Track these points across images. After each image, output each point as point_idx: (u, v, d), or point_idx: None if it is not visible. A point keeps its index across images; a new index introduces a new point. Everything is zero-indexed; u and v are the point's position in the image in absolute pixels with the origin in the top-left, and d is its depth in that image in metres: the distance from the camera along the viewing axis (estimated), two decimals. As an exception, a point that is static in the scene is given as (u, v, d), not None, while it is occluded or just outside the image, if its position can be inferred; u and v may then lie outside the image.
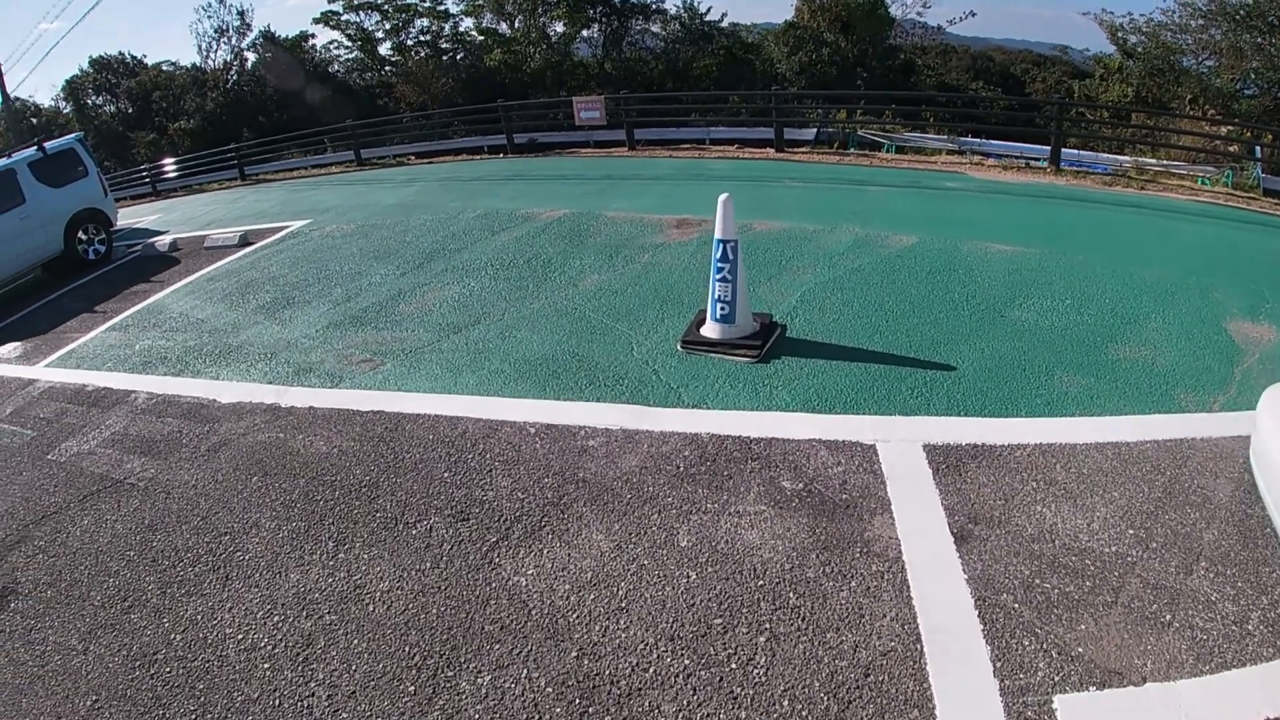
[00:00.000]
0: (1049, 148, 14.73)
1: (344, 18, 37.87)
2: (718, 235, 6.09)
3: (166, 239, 14.67)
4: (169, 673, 3.89)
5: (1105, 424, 4.91)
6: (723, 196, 6.05)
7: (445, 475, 5.12)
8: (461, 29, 37.71)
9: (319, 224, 13.37)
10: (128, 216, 19.47)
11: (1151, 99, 29.08)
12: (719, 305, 6.21)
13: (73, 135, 15.81)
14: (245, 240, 13.12)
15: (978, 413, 5.16)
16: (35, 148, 14.08)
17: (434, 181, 15.89)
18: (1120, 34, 30.37)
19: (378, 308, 8.64)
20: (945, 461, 4.63)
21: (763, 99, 23.41)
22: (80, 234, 14.26)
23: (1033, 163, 14.45)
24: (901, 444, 4.84)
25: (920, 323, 6.61)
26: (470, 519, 4.63)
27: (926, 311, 6.82)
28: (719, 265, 6.08)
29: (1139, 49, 30.02)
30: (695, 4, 35.57)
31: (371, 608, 4.05)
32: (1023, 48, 58.39)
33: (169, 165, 26.99)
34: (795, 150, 14.95)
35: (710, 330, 6.36)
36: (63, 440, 6.88)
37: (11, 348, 10.28)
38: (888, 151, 21.62)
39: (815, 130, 29.39)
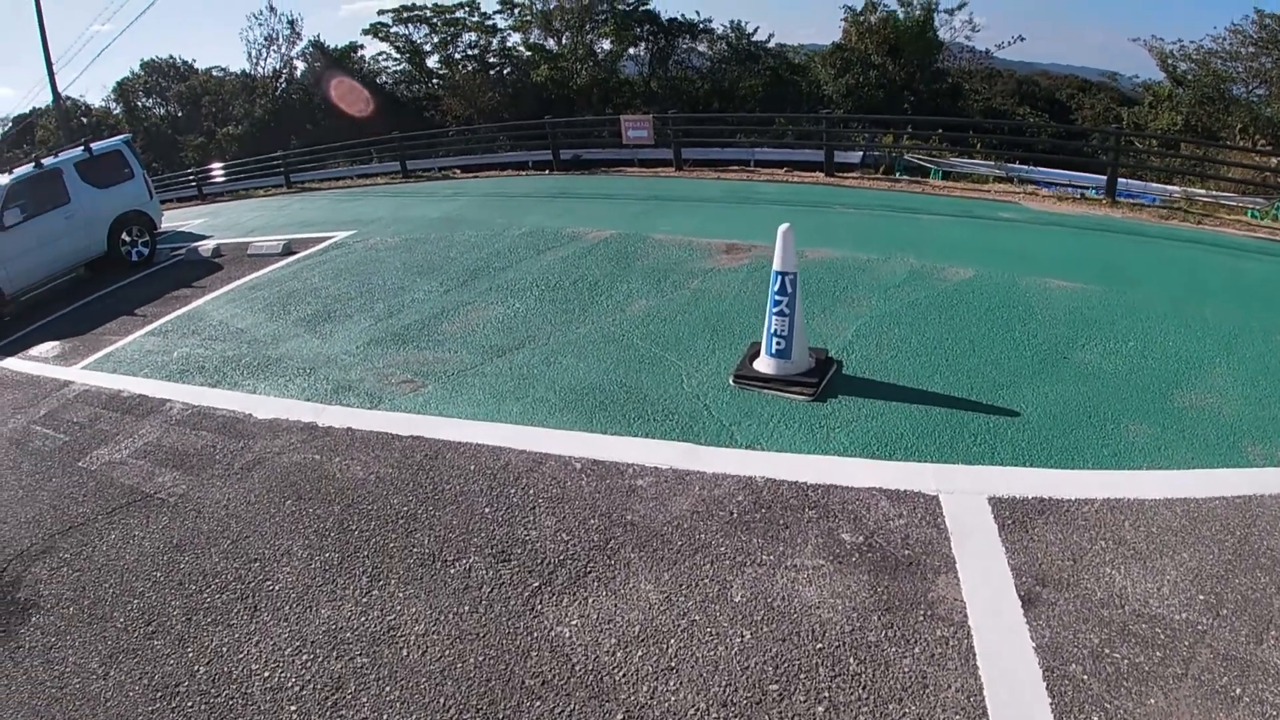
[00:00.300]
0: (1103, 177, 14.36)
1: (393, 30, 38.25)
2: (776, 267, 5.85)
3: (210, 244, 14.70)
4: (190, 707, 3.72)
5: (1173, 478, 4.62)
6: (783, 228, 5.82)
7: (486, 510, 4.90)
8: (509, 44, 37.94)
9: (363, 235, 13.30)
10: (173, 219, 19.77)
11: (1201, 128, 28.49)
12: (775, 340, 5.96)
13: (119, 137, 15.95)
14: (288, 249, 13.08)
15: (1043, 463, 4.87)
16: (82, 148, 14.21)
17: (479, 196, 15.79)
18: (1170, 61, 29.82)
19: (420, 325, 8.48)
20: (1011, 516, 4.34)
21: (810, 121, 23.15)
22: (124, 235, 14.41)
23: (1086, 193, 14.03)
24: (966, 496, 4.55)
25: (981, 362, 6.31)
26: (511, 560, 4.40)
27: (987, 351, 6.51)
28: (776, 298, 5.83)
29: (1188, 76, 29.44)
30: (742, 24, 35.51)
31: (405, 652, 3.84)
32: (1068, 72, 57.63)
33: (216, 169, 27.19)
34: (845, 175, 14.66)
35: (764, 365, 6.11)
36: (95, 447, 6.81)
37: (50, 347, 10.35)
38: (935, 178, 21.31)
39: (861, 154, 29.06)
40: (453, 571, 4.37)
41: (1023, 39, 33.86)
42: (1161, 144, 28.18)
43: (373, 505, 5.14)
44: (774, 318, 5.91)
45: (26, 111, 48.19)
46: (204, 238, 16.03)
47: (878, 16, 32.13)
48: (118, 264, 14.22)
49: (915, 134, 28.52)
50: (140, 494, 5.85)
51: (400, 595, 4.24)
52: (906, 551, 4.14)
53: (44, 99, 40.29)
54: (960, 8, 32.10)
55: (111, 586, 4.74)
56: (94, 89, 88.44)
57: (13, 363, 10.05)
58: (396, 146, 21.54)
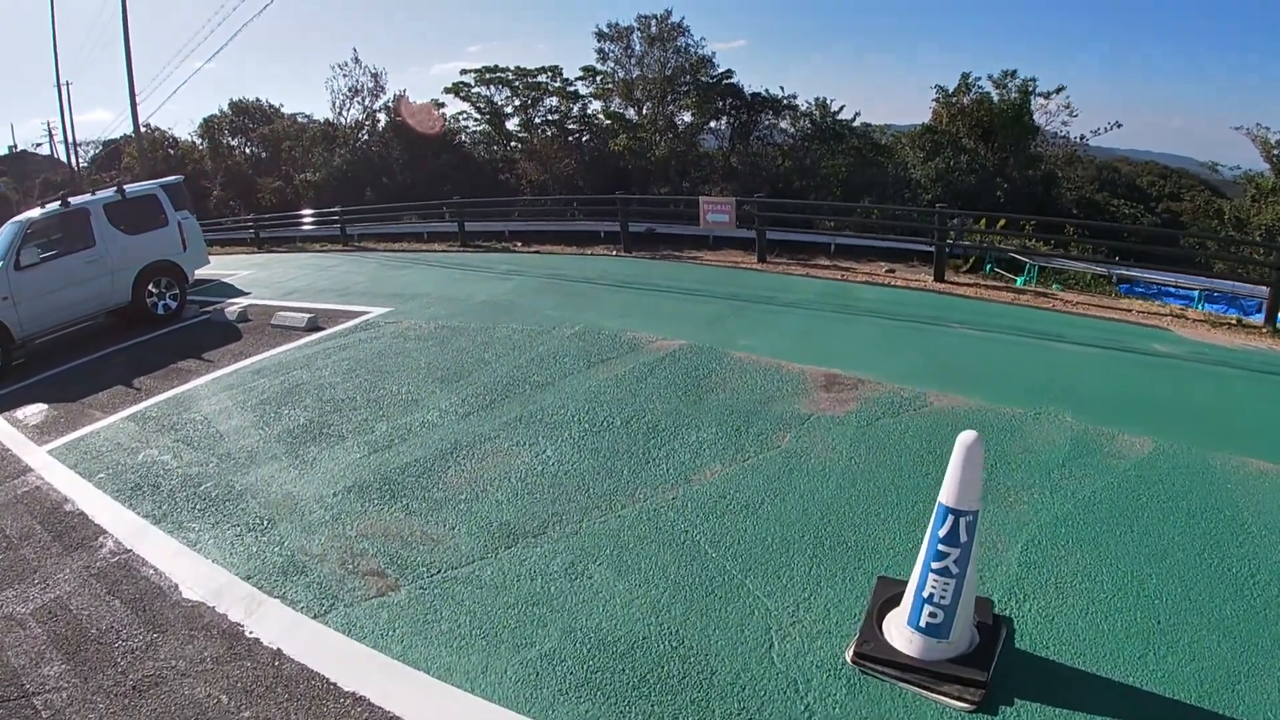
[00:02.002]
0: (1263, 300, 11.84)
1: (474, 90, 37.14)
2: (947, 500, 3.56)
3: (239, 305, 13.44)
4: None
5: None
6: (965, 440, 3.57)
7: None
8: (589, 111, 36.47)
9: (397, 315, 11.55)
10: (221, 266, 18.88)
11: None
12: (927, 608, 3.62)
13: (157, 181, 14.98)
14: (314, 325, 11.45)
15: None
16: (115, 189, 13.18)
17: (536, 278, 13.79)
18: (1275, 150, 26.95)
19: (420, 468, 6.36)
20: None
21: (920, 215, 20.82)
22: (151, 287, 13.23)
23: (1243, 318, 11.47)
24: None
25: (1203, 625, 3.98)
26: None
27: (1205, 599, 4.18)
28: (940, 547, 3.52)
29: None
30: (827, 101, 33.45)
31: None
32: (1146, 158, 54.29)
33: (272, 219, 25.99)
34: (956, 282, 12.23)
35: (905, 640, 3.75)
36: (5, 586, 5.41)
37: (35, 411, 9.41)
38: (1028, 280, 18.76)
39: (951, 242, 26.66)
40: None
41: (1119, 125, 31.03)
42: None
43: None
44: (932, 575, 3.57)
45: (117, 137, 48.85)
46: (240, 295, 14.80)
47: (971, 98, 29.82)
48: (143, 316, 13.06)
49: (1008, 225, 26.18)
50: (16, 689, 4.24)
51: None
52: None
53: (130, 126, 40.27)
54: (1058, 91, 29.64)
55: None
56: (182, 122, 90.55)
57: (-5, 424, 8.70)
58: (457, 212, 19.62)
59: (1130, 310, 11.21)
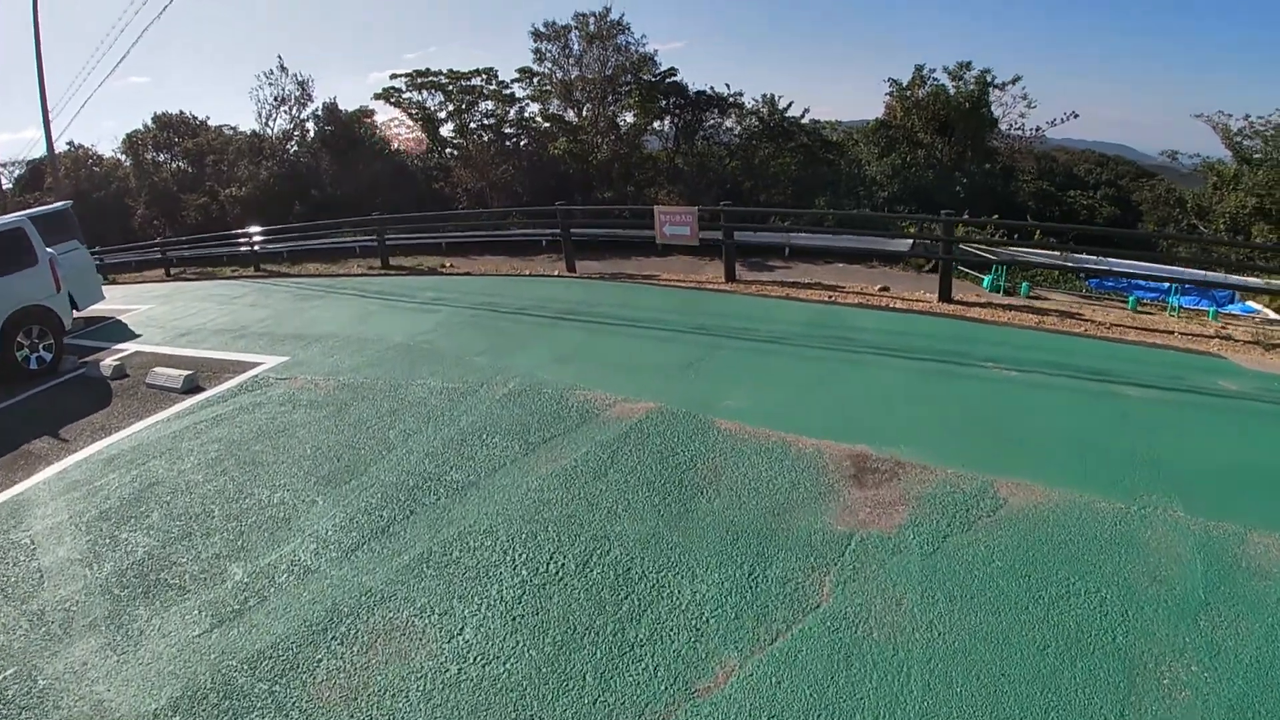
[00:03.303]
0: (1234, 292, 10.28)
1: (405, 95, 34.38)
2: None
3: (125, 352, 11.29)
4: None
5: None
6: None
7: None
8: (527, 114, 33.96)
9: (292, 368, 9.16)
10: (123, 299, 16.78)
11: (1276, 210, 24.45)
12: None
13: (28, 211, 12.83)
14: (192, 385, 9.03)
15: None
16: None
17: (464, 308, 11.41)
18: (1237, 138, 25.73)
19: (279, 662, 4.09)
20: None
21: (899, 222, 18.85)
22: (20, 338, 10.65)
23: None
24: None
25: None
26: None
27: None
28: None
29: (1255, 154, 25.35)
30: (775, 97, 31.42)
31: None
32: (1083, 147, 53.35)
33: (182, 243, 23.10)
34: (965, 302, 10.09)
35: None
36: None
37: None
38: (996, 279, 16.97)
39: (911, 242, 24.88)
40: None
41: (1076, 115, 29.53)
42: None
43: None
44: None
45: (39, 157, 44.94)
46: (128, 338, 12.31)
47: (926, 90, 28.03)
48: (11, 373, 10.45)
49: (970, 222, 24.46)
50: None
51: None
52: None
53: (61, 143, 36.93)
54: (1014, 81, 27.98)
55: None
56: (107, 139, 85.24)
57: None
58: (377, 229, 16.91)
59: (1172, 332, 9.27)
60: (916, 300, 10.08)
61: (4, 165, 50.45)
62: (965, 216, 22.73)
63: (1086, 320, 9.52)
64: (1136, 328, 9.34)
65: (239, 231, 19.76)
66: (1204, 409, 6.69)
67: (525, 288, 12.59)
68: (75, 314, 13.33)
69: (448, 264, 16.62)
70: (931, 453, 5.58)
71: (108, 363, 10.64)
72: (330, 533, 5.24)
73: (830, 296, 10.44)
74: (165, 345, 11.52)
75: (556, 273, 13.83)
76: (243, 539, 5.31)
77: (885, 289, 10.80)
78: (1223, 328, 9.79)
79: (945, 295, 9.88)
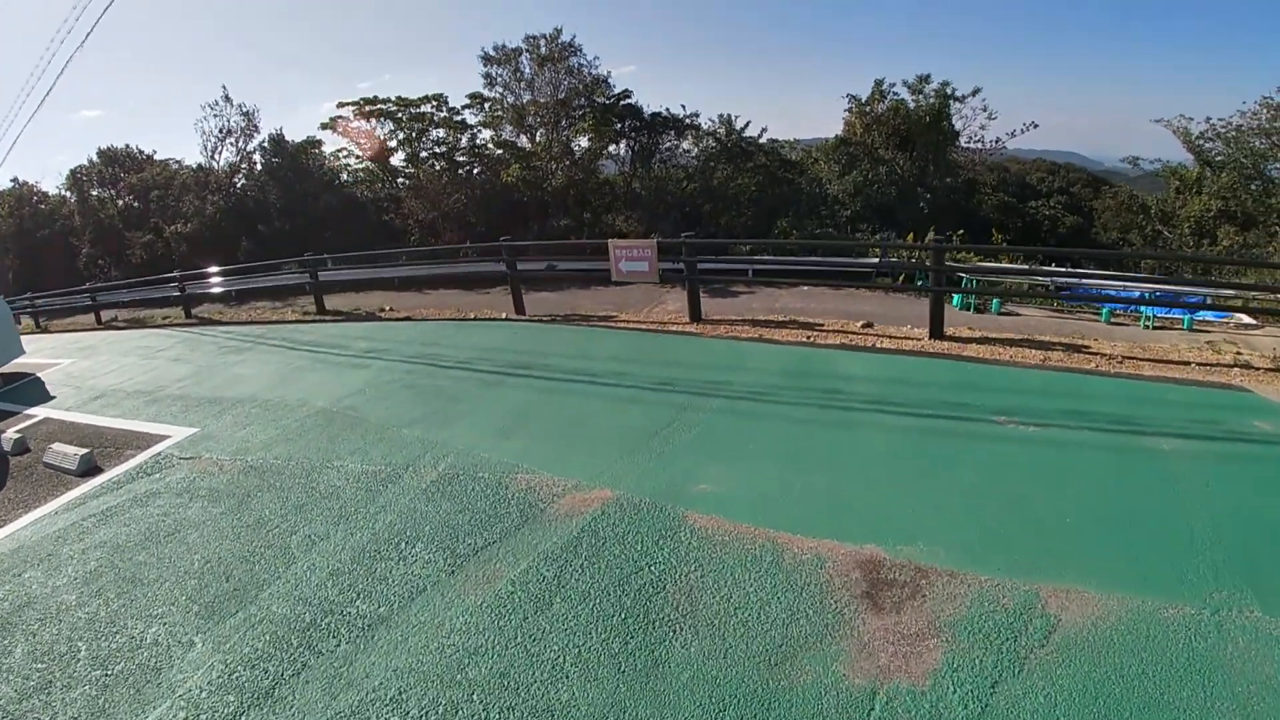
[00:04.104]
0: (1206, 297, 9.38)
1: (353, 125, 32.91)
2: None
3: (33, 419, 9.95)
4: None
5: None
6: None
7: None
8: (479, 141, 32.59)
9: (200, 443, 7.89)
10: (49, 351, 15.63)
11: (1242, 213, 23.96)
12: None
13: None
14: (89, 466, 7.76)
15: None
16: None
17: (399, 362, 10.08)
18: (1199, 141, 25.22)
19: None
20: None
21: (890, 251, 17.81)
22: None
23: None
24: None
25: None
26: None
27: None
28: None
29: (1217, 157, 24.87)
30: (731, 118, 30.38)
31: None
32: (1033, 156, 53.17)
33: (109, 288, 21.46)
34: (958, 338, 8.92)
35: None
36: None
37: None
38: (966, 297, 15.97)
39: (878, 260, 23.91)
40: None
41: (1036, 125, 28.76)
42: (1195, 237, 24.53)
43: None
44: None
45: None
46: (42, 400, 10.99)
47: (886, 105, 27.17)
48: None
49: (959, 248, 23.63)
50: None
51: None
52: None
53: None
54: (974, 94, 27.21)
55: None
56: (51, 175, 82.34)
57: None
58: (310, 270, 15.37)
59: (1188, 363, 8.21)
60: (905, 338, 8.91)
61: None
62: (952, 240, 21.92)
63: (1094, 353, 8.43)
64: (1150, 359, 8.26)
65: (168, 275, 18.12)
66: (1247, 461, 5.64)
67: (469, 335, 11.25)
68: None
69: (387, 308, 15.19)
70: (956, 551, 4.41)
71: (10, 434, 9.30)
72: (204, 695, 3.93)
73: (809, 337, 9.22)
74: (77, 410, 10.21)
75: (504, 315, 12.50)
76: (105, 697, 4.00)
77: (868, 324, 9.63)
78: (1238, 353, 8.76)
79: (937, 331, 8.74)
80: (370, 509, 5.75)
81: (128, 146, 39.50)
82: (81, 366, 13.49)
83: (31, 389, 11.98)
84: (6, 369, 13.55)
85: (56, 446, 8.45)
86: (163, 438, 8.30)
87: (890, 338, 8.95)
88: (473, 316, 12.82)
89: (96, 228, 36.60)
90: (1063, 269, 19.66)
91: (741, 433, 6.36)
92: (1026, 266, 18.23)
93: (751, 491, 5.30)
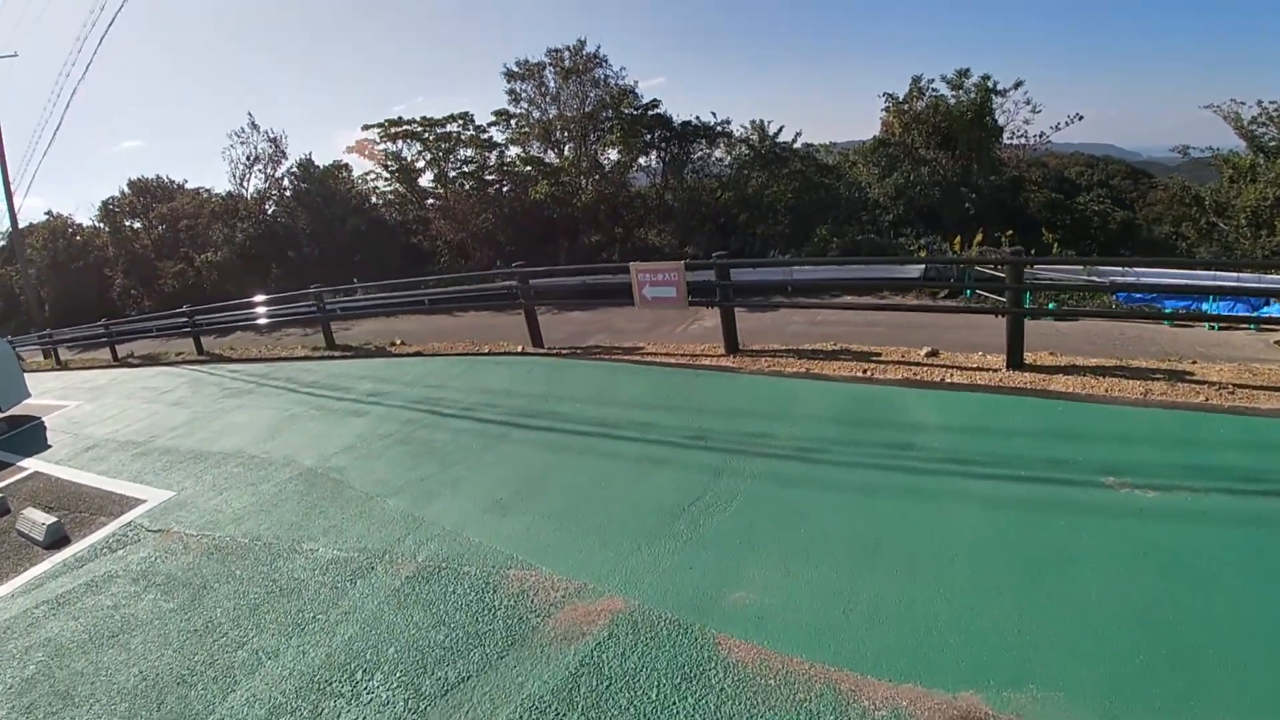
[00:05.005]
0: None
1: (380, 147, 32.18)
2: None
3: (22, 474, 9.30)
4: None
5: None
6: None
7: None
8: (507, 159, 31.62)
9: (172, 511, 6.96)
10: (55, 394, 15.27)
11: None
12: None
13: None
14: (57, 538, 6.98)
15: None
16: None
17: (399, 408, 8.99)
18: (1251, 126, 23.42)
19: None
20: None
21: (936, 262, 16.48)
22: None
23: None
24: None
25: None
26: None
27: None
28: None
29: (1271, 142, 23.07)
30: (764, 123, 28.99)
31: None
32: (1072, 150, 50.88)
33: (122, 324, 20.85)
34: (1040, 367, 7.46)
35: None
36: None
37: None
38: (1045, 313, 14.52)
39: (923, 267, 22.51)
40: None
41: (1080, 117, 26.94)
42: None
43: None
44: None
45: (24, 226, 43.09)
46: (37, 451, 10.36)
47: (925, 103, 25.64)
48: None
49: (1040, 261, 22.15)
50: None
51: None
52: None
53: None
54: (1016, 87, 25.56)
55: None
56: (84, 208, 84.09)
57: None
58: (317, 303, 14.39)
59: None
60: (979, 369, 7.50)
61: (-13, 235, 49.17)
62: (1026, 250, 20.42)
63: (1199, 381, 6.99)
64: (1264, 387, 6.81)
65: (179, 311, 17.35)
66: None
67: (479, 374, 10.07)
68: None
69: (398, 341, 14.13)
70: (1084, 701, 3.16)
71: (-4, 487, 8.59)
72: None
73: (866, 371, 7.84)
74: (66, 463, 9.44)
75: (520, 349, 11.32)
76: None
77: (933, 352, 8.23)
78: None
79: (1016, 359, 7.33)
80: (331, 615, 4.62)
81: (158, 177, 39.50)
82: (85, 411, 12.85)
83: (30, 436, 11.38)
84: (14, 411, 13.04)
85: (28, 513, 7.74)
86: (138, 502, 7.46)
87: (961, 369, 7.56)
88: (486, 350, 11.67)
89: (129, 258, 36.43)
90: (1118, 264, 18.18)
91: (789, 508, 5.07)
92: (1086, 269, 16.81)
93: (803, 605, 4.03)
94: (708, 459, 5.99)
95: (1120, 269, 17.38)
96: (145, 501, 7.46)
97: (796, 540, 4.63)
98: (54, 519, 7.21)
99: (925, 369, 7.72)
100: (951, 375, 7.40)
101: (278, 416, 9.64)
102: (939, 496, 4.93)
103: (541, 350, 10.98)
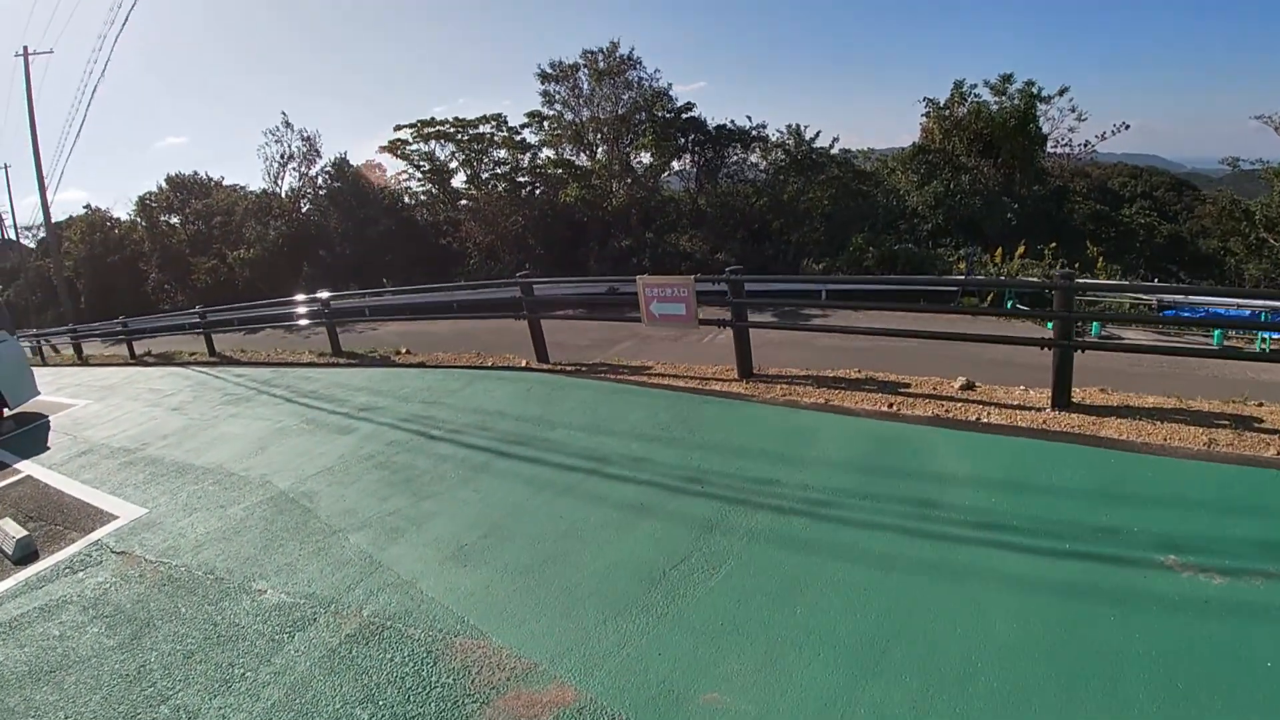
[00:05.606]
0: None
1: (412, 148, 31.86)
2: None
3: (15, 478, 8.94)
4: None
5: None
6: None
7: None
8: (540, 161, 31.14)
9: (139, 533, 6.53)
10: (67, 392, 15.01)
11: None
12: None
13: None
14: (26, 552, 6.59)
15: None
16: None
17: (387, 427, 8.41)
18: None
19: None
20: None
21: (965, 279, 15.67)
22: None
23: None
24: None
25: None
26: None
27: None
28: None
29: None
30: (801, 128, 28.14)
31: None
32: (1115, 160, 49.06)
33: (141, 322, 20.72)
34: (1088, 406, 6.61)
35: None
36: None
37: None
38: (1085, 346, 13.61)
39: (964, 275, 21.74)
40: None
41: (1127, 126, 25.80)
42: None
43: None
44: None
45: (61, 220, 43.74)
46: (35, 452, 10.07)
47: (966, 109, 24.62)
48: None
49: (1028, 251, 21.22)
50: None
51: None
52: None
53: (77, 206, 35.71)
54: (1061, 94, 24.46)
55: None
56: (122, 202, 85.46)
57: None
58: (322, 310, 13.91)
59: None
60: (1020, 407, 6.65)
61: (27, 229, 50.10)
62: (1070, 264, 19.47)
63: (1268, 429, 6.12)
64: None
65: (190, 311, 17.08)
66: None
67: (477, 390, 9.43)
68: (7, 412, 12.26)
69: (403, 350, 13.61)
70: None
71: (-16, 490, 8.27)
72: None
73: (891, 405, 7.03)
74: (58, 469, 9.08)
75: (525, 363, 10.68)
76: None
77: (969, 385, 7.40)
78: None
79: (1062, 398, 6.49)
80: (261, 674, 4.04)
81: (195, 173, 39.81)
82: (90, 411, 12.55)
83: (33, 437, 11.16)
84: (24, 408, 12.84)
85: (3, 525, 7.32)
86: (112, 518, 7.06)
87: (1000, 406, 6.72)
88: (490, 364, 11.06)
89: (164, 253, 36.59)
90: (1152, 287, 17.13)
91: (787, 581, 4.33)
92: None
93: (787, 716, 3.30)
94: (701, 509, 5.27)
95: (1182, 297, 16.43)
96: (118, 518, 7.03)
97: (790, 626, 3.89)
98: (25, 533, 6.86)
99: (959, 405, 6.90)
100: (989, 414, 6.59)
101: (267, 429, 9.14)
102: (966, 576, 4.16)
103: (545, 366, 10.33)
